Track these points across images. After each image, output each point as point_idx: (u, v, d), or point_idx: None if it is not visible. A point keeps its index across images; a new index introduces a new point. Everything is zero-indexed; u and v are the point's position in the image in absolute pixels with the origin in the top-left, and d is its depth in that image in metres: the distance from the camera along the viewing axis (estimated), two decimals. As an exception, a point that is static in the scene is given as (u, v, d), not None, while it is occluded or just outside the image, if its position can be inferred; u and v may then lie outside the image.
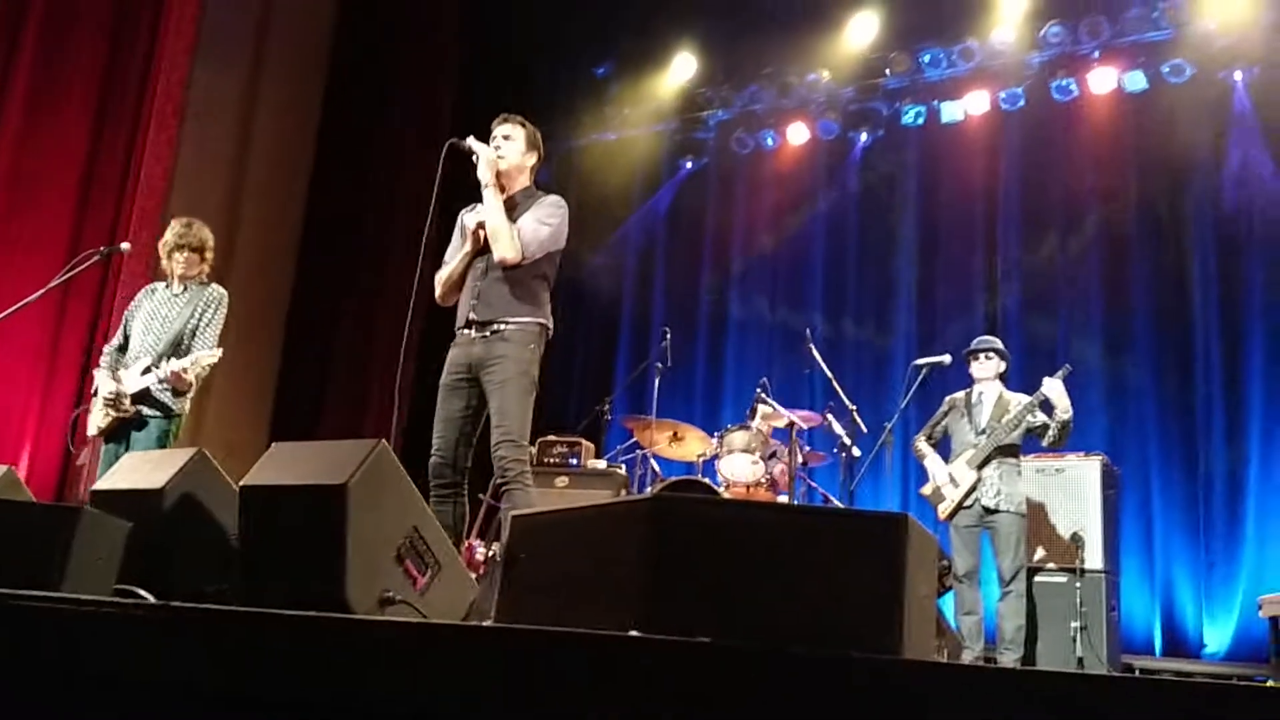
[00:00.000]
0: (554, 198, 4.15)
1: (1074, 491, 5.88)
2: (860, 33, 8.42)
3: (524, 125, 4.18)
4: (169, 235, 5.10)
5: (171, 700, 1.94)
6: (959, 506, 5.48)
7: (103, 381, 4.89)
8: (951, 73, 8.22)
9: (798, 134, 8.82)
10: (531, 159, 4.19)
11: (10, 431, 6.54)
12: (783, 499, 6.22)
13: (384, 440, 2.70)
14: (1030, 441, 5.62)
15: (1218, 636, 6.72)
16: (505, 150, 4.11)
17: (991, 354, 5.70)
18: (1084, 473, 5.90)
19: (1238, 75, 7.31)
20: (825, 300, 8.63)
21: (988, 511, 5.41)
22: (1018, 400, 5.57)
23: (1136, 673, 6.05)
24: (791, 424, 6.23)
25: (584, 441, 6.69)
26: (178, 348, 4.90)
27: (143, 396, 4.83)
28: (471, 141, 4.09)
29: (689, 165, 9.40)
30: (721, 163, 9.30)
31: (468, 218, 4.16)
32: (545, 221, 4.03)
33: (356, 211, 8.58)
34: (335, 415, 8.16)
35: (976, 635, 5.37)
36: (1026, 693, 1.62)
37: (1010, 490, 5.42)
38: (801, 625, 1.85)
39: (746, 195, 9.17)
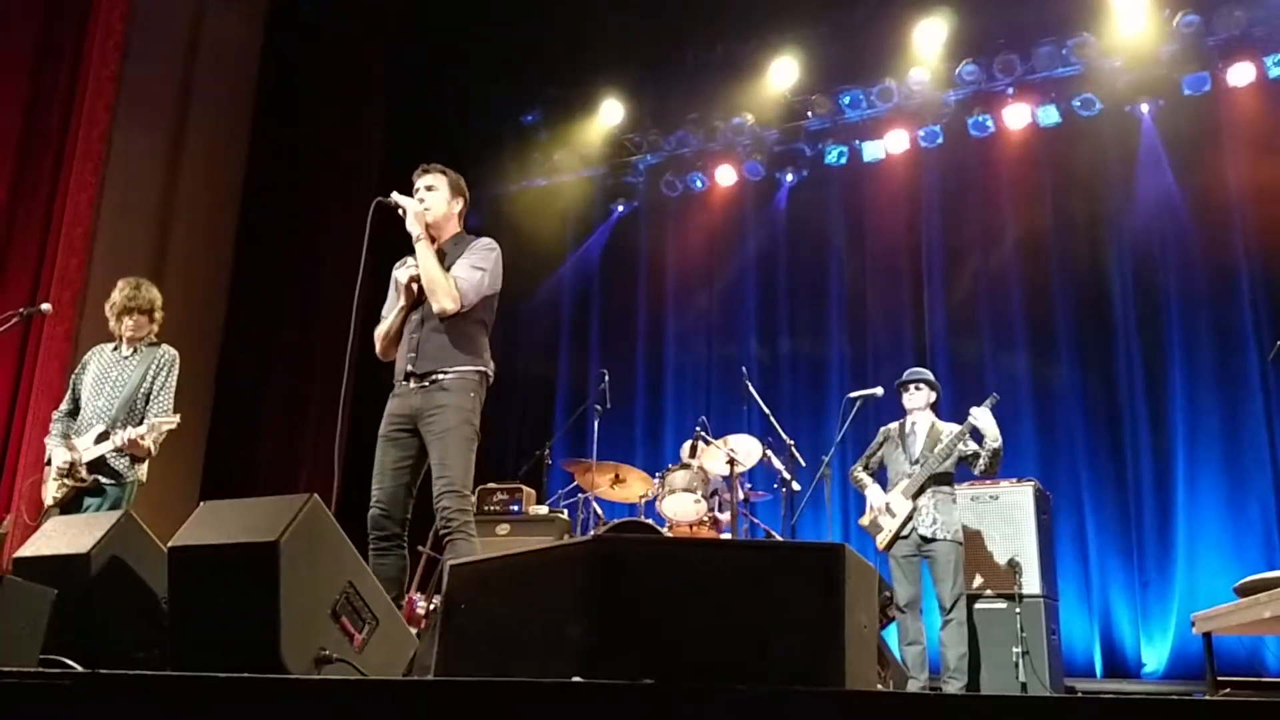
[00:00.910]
0: (485, 240, 4.14)
1: (1009, 518, 5.97)
2: (781, 76, 8.59)
3: (444, 173, 4.18)
4: (117, 297, 5.02)
5: (100, 773, 1.87)
6: (897, 536, 5.53)
7: (56, 451, 4.80)
8: (871, 113, 8.43)
9: (725, 176, 8.97)
10: (458, 205, 4.19)
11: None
12: (726, 536, 6.23)
13: (315, 495, 2.66)
14: (964, 470, 5.70)
15: (1156, 655, 6.84)
16: (430, 200, 4.10)
17: (922, 385, 5.80)
18: (1018, 499, 5.99)
19: (1144, 108, 7.59)
20: (759, 337, 8.73)
21: (925, 540, 5.47)
22: (949, 430, 5.66)
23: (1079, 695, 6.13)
24: (731, 460, 6.25)
25: (525, 487, 6.66)
26: (131, 411, 4.84)
27: (99, 465, 4.76)
28: (396, 196, 4.08)
29: (620, 209, 9.49)
30: (652, 205, 9.40)
31: (400, 272, 4.13)
32: (479, 266, 4.02)
33: (285, 265, 8.48)
34: (268, 471, 8.01)
35: (921, 665, 5.40)
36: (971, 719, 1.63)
37: (946, 518, 5.49)
38: (744, 660, 1.85)
39: (678, 237, 9.28)
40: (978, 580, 5.90)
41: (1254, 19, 7.15)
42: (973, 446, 5.56)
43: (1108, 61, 7.62)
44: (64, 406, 5.00)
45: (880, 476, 5.85)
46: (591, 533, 6.41)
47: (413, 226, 4.01)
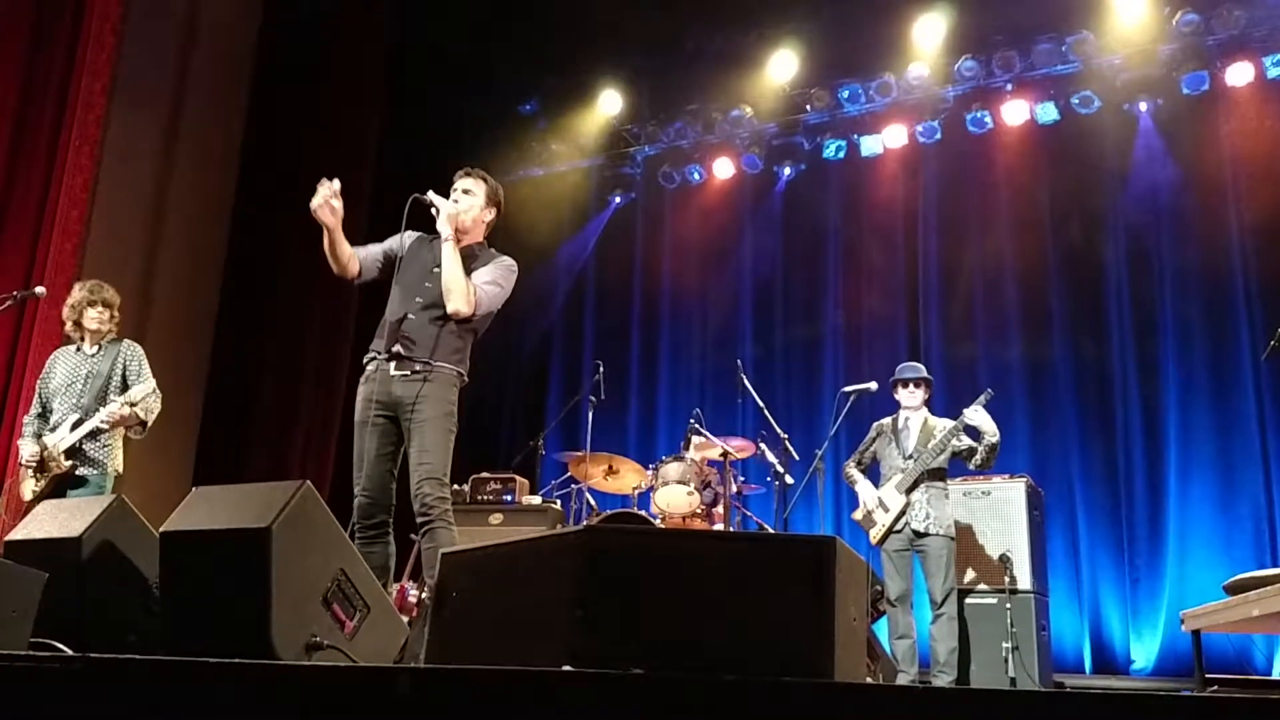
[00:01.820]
0: (507, 260, 4.19)
1: (1001, 513, 5.99)
2: (781, 70, 8.59)
3: (485, 181, 4.20)
4: (77, 295, 5.13)
5: (89, 756, 1.88)
6: (889, 531, 5.55)
7: (25, 447, 4.85)
8: (870, 108, 8.42)
9: (723, 168, 8.96)
10: (489, 215, 4.21)
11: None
12: (719, 529, 6.24)
13: (308, 482, 2.66)
14: (957, 465, 5.72)
15: (1145, 652, 6.87)
16: (464, 204, 4.12)
17: (916, 380, 5.81)
18: (1010, 494, 6.01)
19: (1143, 106, 7.60)
20: (754, 330, 8.73)
21: (917, 535, 5.49)
22: (943, 425, 5.67)
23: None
24: (725, 454, 6.27)
25: (518, 477, 6.65)
26: (104, 402, 4.91)
27: (76, 453, 4.81)
28: (432, 196, 4.08)
29: (617, 200, 9.47)
30: (649, 197, 9.39)
31: (411, 240, 4.13)
32: (498, 282, 4.09)
33: (280, 250, 8.45)
34: (260, 459, 7.99)
35: (911, 659, 5.42)
36: (959, 713, 1.64)
37: (939, 513, 5.50)
38: (733, 651, 1.85)
39: (675, 229, 9.27)
40: (969, 575, 5.92)
41: (1253, 19, 7.16)
42: (967, 442, 5.58)
43: (1107, 59, 7.62)
44: (34, 410, 5.09)
45: (873, 471, 5.86)
46: (584, 523, 6.42)
47: (444, 227, 4.02)
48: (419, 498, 3.80)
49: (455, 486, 6.41)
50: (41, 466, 4.77)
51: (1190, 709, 1.67)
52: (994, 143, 8.11)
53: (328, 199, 3.84)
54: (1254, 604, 3.82)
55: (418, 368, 3.91)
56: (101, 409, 4.80)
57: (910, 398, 5.78)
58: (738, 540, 2.52)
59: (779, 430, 6.29)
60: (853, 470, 5.88)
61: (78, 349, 5.11)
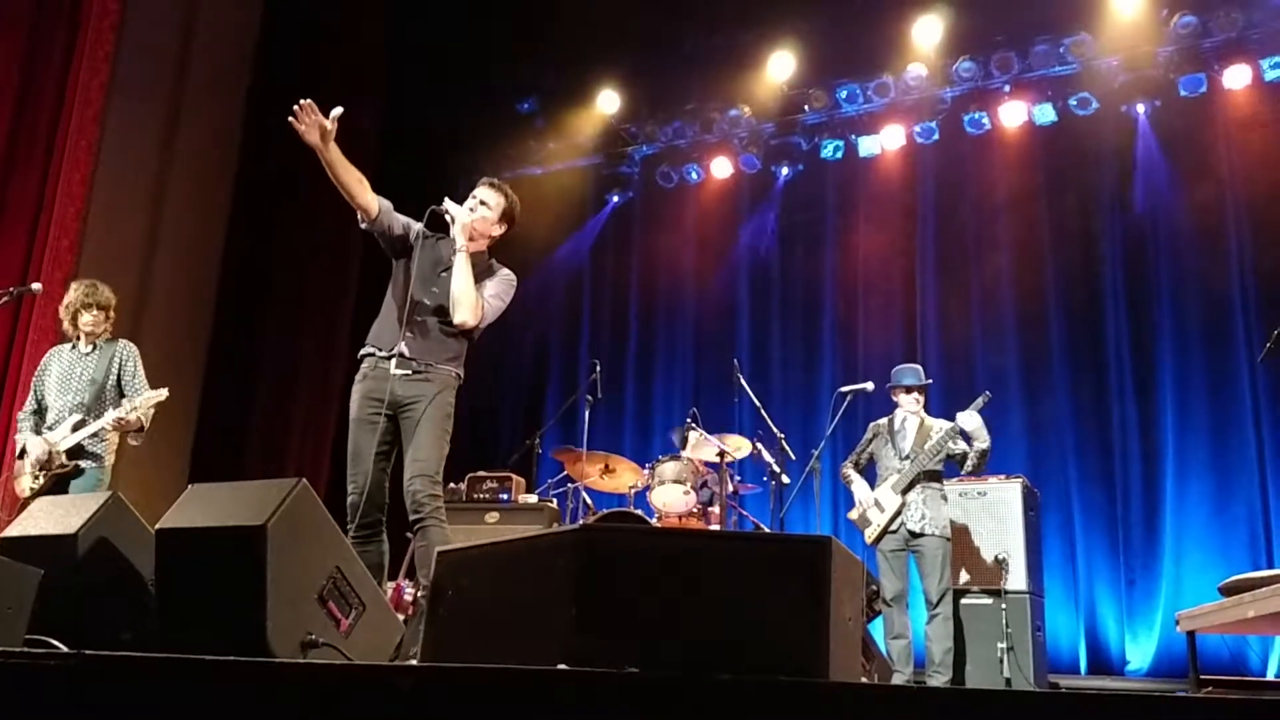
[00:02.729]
0: (508, 274, 4.23)
1: (997, 514, 6.00)
2: (779, 69, 8.58)
3: (505, 196, 4.21)
4: (73, 296, 5.16)
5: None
6: (885, 531, 5.55)
7: (31, 443, 4.87)
8: (868, 108, 8.42)
9: (721, 168, 8.96)
10: (499, 230, 4.23)
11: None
12: (715, 528, 6.24)
13: (304, 480, 2.66)
14: (953, 466, 5.72)
15: (1140, 653, 6.88)
16: (478, 214, 4.15)
17: (913, 380, 5.81)
18: (1006, 495, 6.02)
19: (1140, 108, 7.60)
20: (752, 330, 8.74)
21: (913, 535, 5.49)
22: (939, 426, 5.67)
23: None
24: (722, 453, 6.27)
25: (514, 476, 6.65)
26: (101, 401, 4.98)
27: (76, 451, 4.88)
28: (449, 204, 4.10)
29: (615, 199, 9.46)
30: (647, 196, 9.38)
31: (417, 234, 4.15)
32: (501, 297, 4.15)
33: (278, 248, 8.45)
34: (257, 456, 7.99)
35: (906, 659, 5.42)
36: (954, 713, 1.64)
37: (935, 514, 5.51)
38: (728, 650, 1.86)
39: (672, 228, 9.27)
40: (964, 576, 5.93)
41: (1250, 21, 7.17)
42: (961, 446, 5.58)
43: (1105, 61, 7.63)
44: (29, 407, 5.12)
45: (869, 472, 5.86)
46: (580, 522, 6.42)
47: (459, 237, 4.04)
48: (410, 495, 3.81)
49: (451, 485, 6.43)
50: (48, 464, 4.80)
51: (1185, 710, 1.68)
52: (991, 144, 8.11)
53: (308, 120, 3.84)
54: (1249, 605, 3.82)
55: (418, 368, 3.93)
56: (110, 411, 4.86)
57: (905, 396, 5.78)
58: (733, 540, 2.53)
59: (775, 430, 6.30)
60: (850, 471, 5.88)
61: (73, 347, 5.16)
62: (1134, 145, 7.65)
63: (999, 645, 5.66)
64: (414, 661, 3.27)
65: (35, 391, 5.11)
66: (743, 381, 6.58)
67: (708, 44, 8.93)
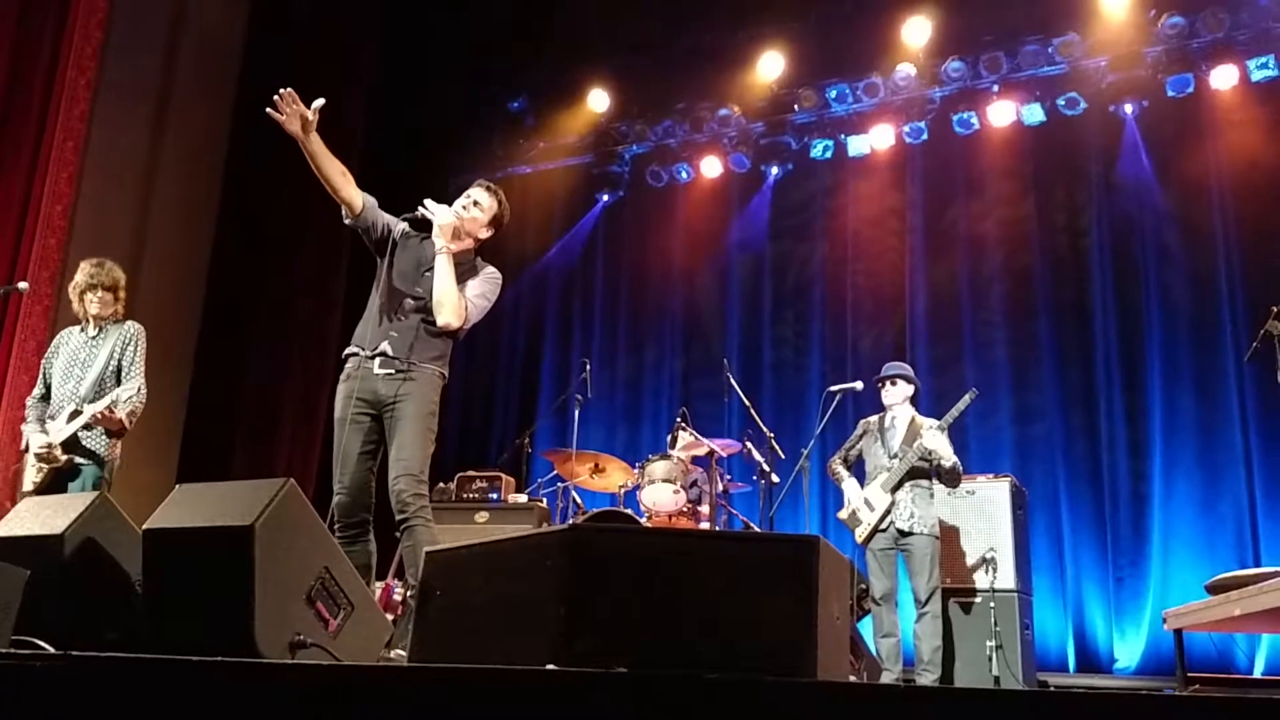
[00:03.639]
0: (493, 272, 4.20)
1: (985, 513, 6.01)
2: (769, 69, 8.60)
3: (498, 201, 4.19)
4: (80, 277, 5.03)
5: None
6: (875, 530, 5.56)
7: (33, 436, 4.81)
8: (857, 108, 8.44)
9: (711, 167, 8.97)
10: (486, 234, 4.19)
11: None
12: (705, 527, 6.25)
13: (292, 480, 2.66)
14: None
15: (1128, 651, 6.90)
16: (469, 214, 4.12)
17: (899, 380, 5.83)
18: (994, 494, 6.04)
19: (1128, 108, 7.63)
20: (741, 329, 8.74)
21: (902, 534, 5.50)
22: (929, 424, 5.68)
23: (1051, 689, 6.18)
24: (712, 452, 6.28)
25: (504, 475, 6.65)
26: (101, 389, 4.85)
27: (73, 445, 4.76)
28: (428, 205, 4.05)
29: (605, 198, 9.46)
30: (637, 196, 9.38)
31: (399, 232, 4.13)
32: (485, 296, 4.12)
33: (266, 247, 8.42)
34: (244, 456, 7.97)
35: (895, 657, 5.44)
36: (943, 712, 1.64)
37: (923, 513, 5.52)
38: (717, 649, 1.86)
39: (662, 227, 9.27)
40: (953, 574, 5.94)
41: (1237, 22, 7.21)
42: (936, 456, 5.58)
43: (1093, 62, 7.65)
44: (37, 391, 5.00)
45: (858, 470, 5.87)
46: (570, 522, 6.42)
47: (439, 238, 4.00)
48: (395, 494, 3.80)
49: (441, 484, 6.42)
50: (47, 457, 4.71)
51: (1172, 708, 1.68)
52: (980, 144, 8.14)
53: (289, 109, 3.85)
54: (1236, 603, 3.85)
55: (402, 367, 3.91)
56: (87, 407, 4.75)
57: (894, 395, 5.79)
58: (722, 539, 2.53)
59: (765, 429, 6.31)
60: (839, 467, 5.89)
61: (82, 329, 5.02)
62: (1121, 145, 7.69)
63: (988, 644, 5.67)
64: (400, 653, 3.27)
65: (44, 375, 4.97)
66: (732, 381, 6.60)
67: (698, 44, 8.94)
